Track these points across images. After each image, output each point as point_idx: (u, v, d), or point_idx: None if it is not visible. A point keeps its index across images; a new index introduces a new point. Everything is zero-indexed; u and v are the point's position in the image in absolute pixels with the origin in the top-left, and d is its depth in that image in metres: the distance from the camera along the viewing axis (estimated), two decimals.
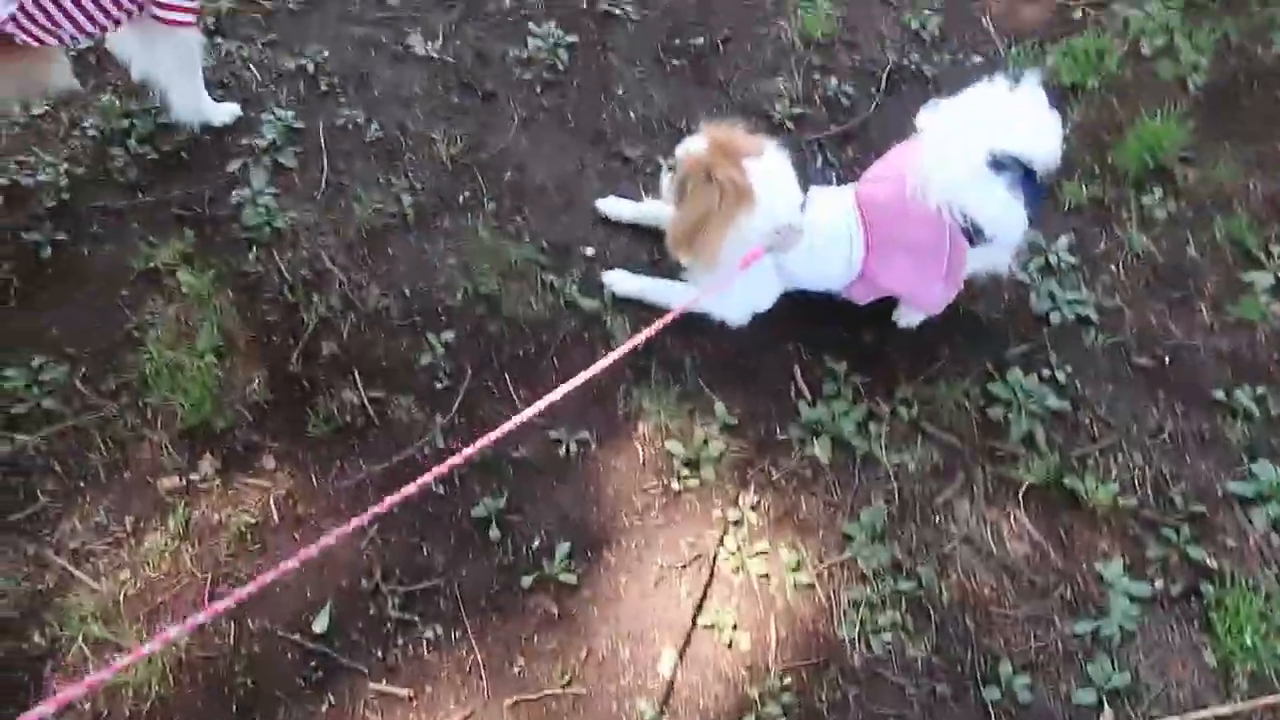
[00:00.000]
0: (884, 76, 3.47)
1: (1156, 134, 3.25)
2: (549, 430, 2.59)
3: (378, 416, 2.61)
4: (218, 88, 3.22)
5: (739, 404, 2.69)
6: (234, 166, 3.07)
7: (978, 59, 3.54)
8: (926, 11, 3.64)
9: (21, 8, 2.50)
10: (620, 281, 2.86)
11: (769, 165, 2.55)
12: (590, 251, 2.96)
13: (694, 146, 2.56)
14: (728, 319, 2.78)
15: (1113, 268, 3.03)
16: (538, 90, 3.37)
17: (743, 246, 2.54)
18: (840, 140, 3.30)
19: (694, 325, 2.73)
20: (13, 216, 2.92)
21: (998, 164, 2.36)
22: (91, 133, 3.11)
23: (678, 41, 3.54)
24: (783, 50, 3.52)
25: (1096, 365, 2.82)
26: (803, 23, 3.56)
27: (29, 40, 2.57)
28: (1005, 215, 2.44)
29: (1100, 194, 3.19)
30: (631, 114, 3.32)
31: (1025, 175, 2.40)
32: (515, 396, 2.67)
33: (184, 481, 2.44)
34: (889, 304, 2.81)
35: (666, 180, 2.68)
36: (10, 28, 2.51)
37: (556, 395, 2.06)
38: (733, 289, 2.62)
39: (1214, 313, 2.96)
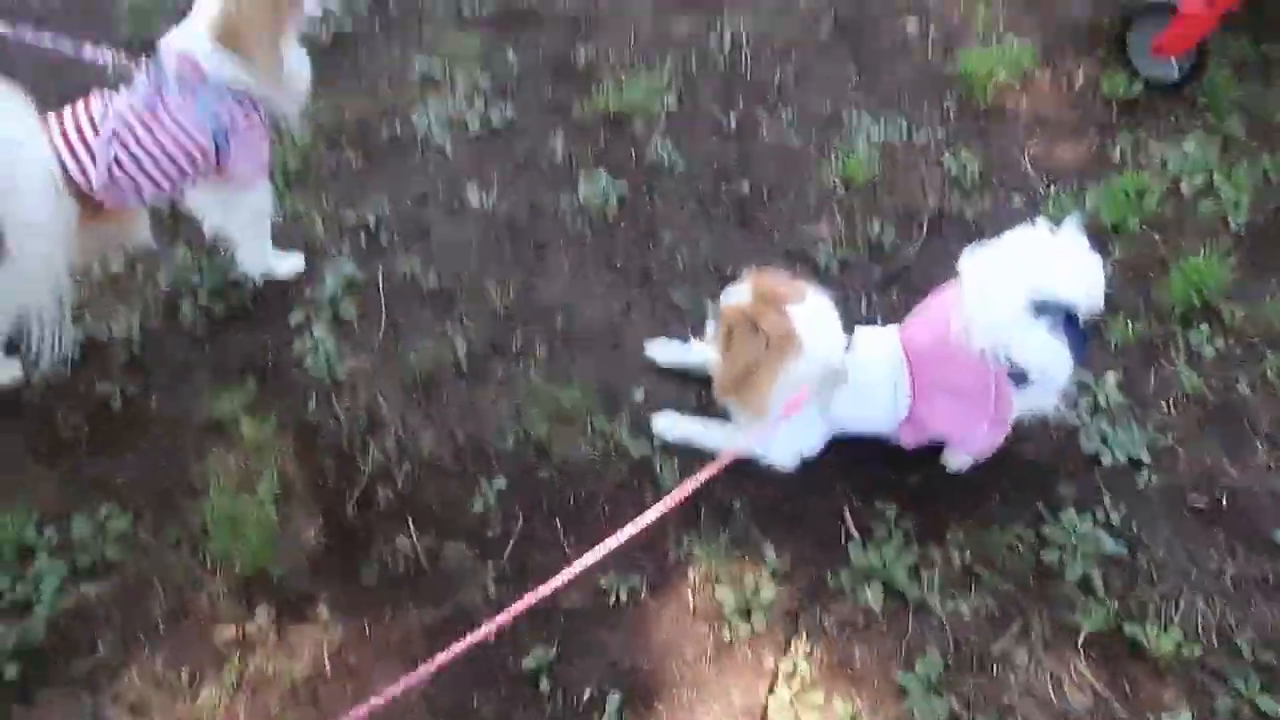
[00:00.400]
0: (925, 219, 3.54)
1: (1201, 271, 3.26)
2: (599, 578, 2.60)
3: (429, 563, 2.64)
4: (284, 242, 3.37)
5: (789, 549, 2.68)
6: (296, 318, 3.20)
7: (1018, 200, 3.60)
8: (965, 155, 3.73)
9: (110, 175, 2.68)
10: (670, 429, 2.90)
11: (812, 310, 2.58)
12: (640, 395, 3.02)
13: (737, 295, 2.61)
14: (775, 463, 2.80)
15: (1163, 405, 3.02)
16: (588, 238, 3.49)
17: (790, 392, 2.57)
18: (884, 283, 3.36)
19: (743, 469, 2.74)
20: (88, 370, 3.06)
21: (1040, 307, 2.38)
22: (164, 286, 3.27)
23: (723, 188, 3.66)
24: (825, 195, 3.62)
25: (1151, 507, 2.78)
26: (844, 168, 3.67)
27: (115, 204, 2.75)
28: (1049, 358, 2.45)
29: (1147, 332, 3.19)
30: (678, 259, 3.42)
31: (1068, 319, 2.42)
32: (565, 543, 2.69)
33: (240, 632, 2.47)
34: (938, 448, 2.81)
35: (711, 327, 2.74)
36: (101, 195, 2.70)
37: (606, 548, 2.08)
38: (779, 433, 2.65)
39: (1270, 451, 2.91)
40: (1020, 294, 2.38)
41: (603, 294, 3.31)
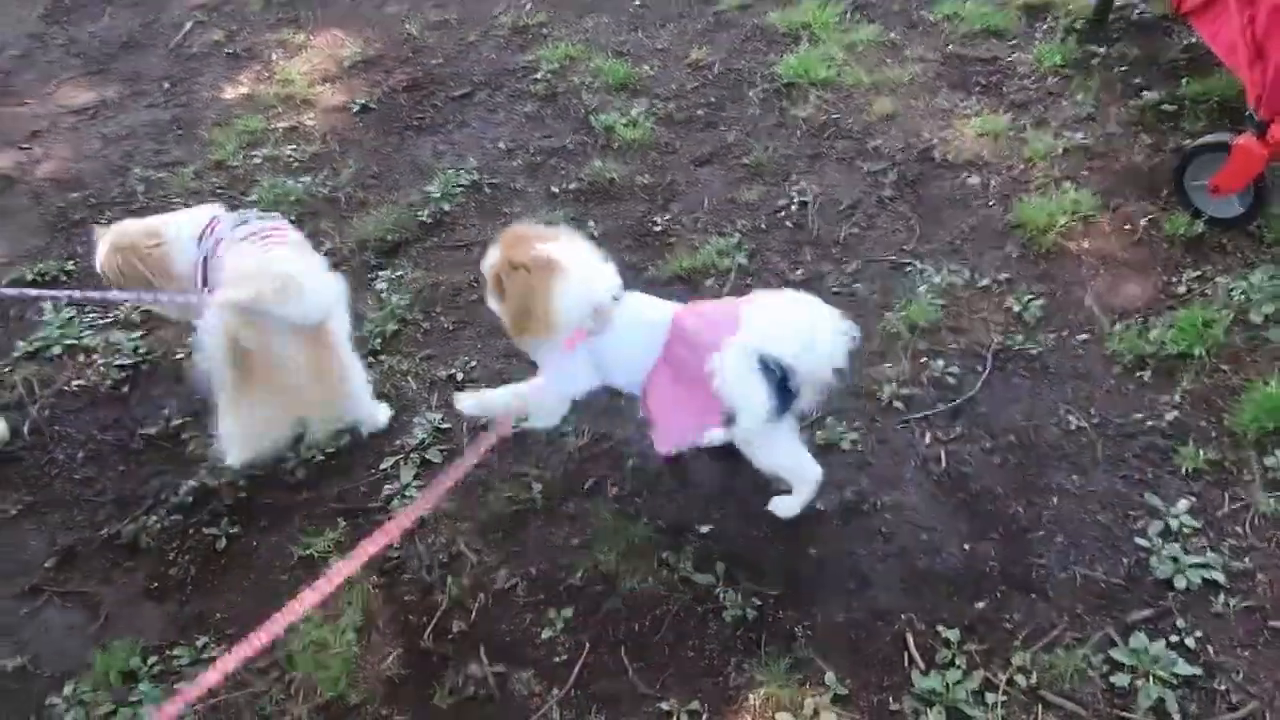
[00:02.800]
0: (989, 355, 3.62)
1: (1273, 398, 3.23)
2: (660, 702, 2.65)
3: (499, 689, 2.74)
4: (378, 397, 3.65)
5: (850, 673, 2.69)
6: (387, 464, 3.44)
7: (1082, 336, 3.65)
8: (1028, 296, 3.83)
9: None
10: (469, 404, 3.06)
11: (565, 244, 2.83)
12: (704, 529, 3.12)
13: (492, 254, 2.85)
14: (545, 413, 3.03)
15: (1239, 530, 2.95)
16: None
17: (570, 310, 2.76)
18: (949, 417, 3.42)
19: (804, 592, 2.79)
20: (198, 514, 3.34)
21: (764, 361, 2.63)
22: None
23: None
24: (890, 337, 3.74)
25: (1229, 630, 2.70)
26: (908, 313, 3.80)
27: None
28: (751, 404, 2.66)
29: (1219, 457, 3.15)
30: None
31: (783, 378, 2.65)
32: (629, 669, 2.76)
33: None
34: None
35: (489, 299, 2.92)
36: None
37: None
38: (559, 368, 2.89)
39: None
40: (755, 347, 2.64)
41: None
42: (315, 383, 3.11)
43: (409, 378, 3.77)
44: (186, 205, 4.56)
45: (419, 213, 4.59)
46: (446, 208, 4.63)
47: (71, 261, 4.52)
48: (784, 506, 3.10)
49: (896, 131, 4.81)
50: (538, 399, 2.99)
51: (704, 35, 5.77)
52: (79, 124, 5.60)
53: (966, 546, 3.00)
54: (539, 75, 5.52)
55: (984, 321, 3.78)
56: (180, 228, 3.28)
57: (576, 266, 2.79)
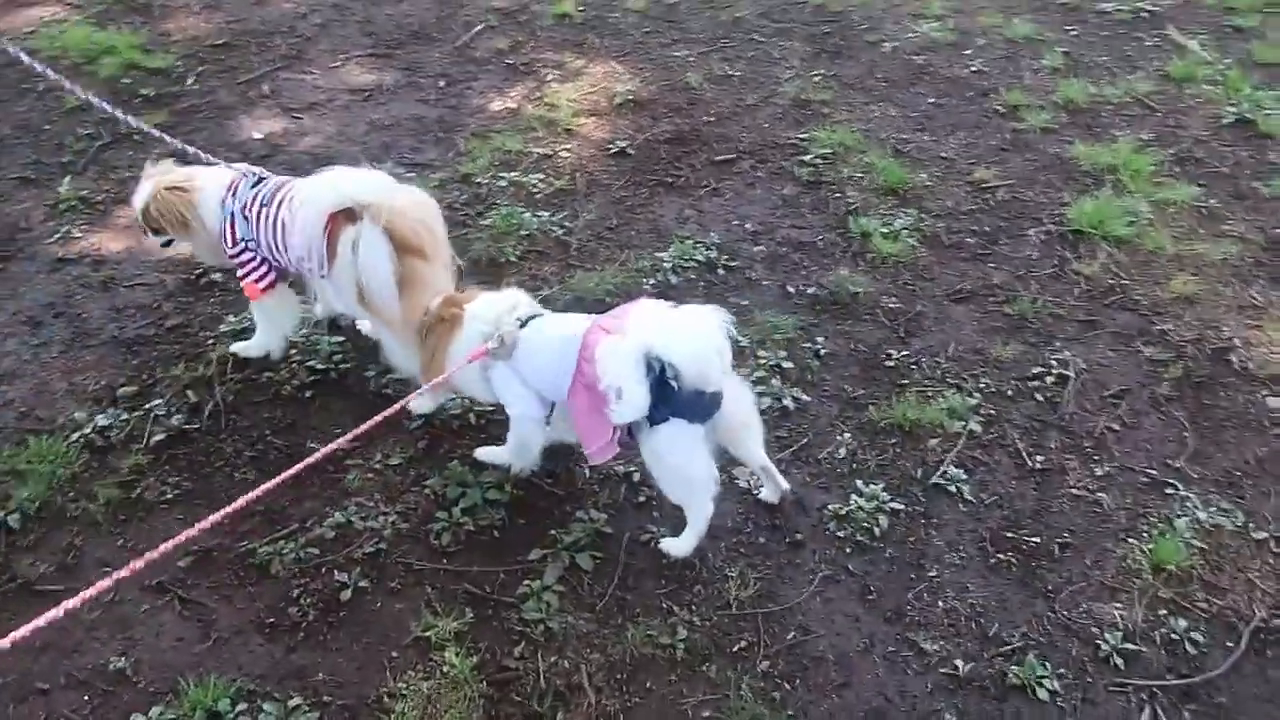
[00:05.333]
0: (1247, 632, 3.00)
1: None
2: None
3: None
4: (546, 477, 3.41)
5: None
6: (534, 556, 3.18)
7: None
8: None
9: None
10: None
11: (484, 297, 3.28)
12: None
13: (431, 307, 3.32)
14: (514, 415, 3.27)
15: None
16: (847, 550, 3.25)
17: (463, 348, 3.16)
18: (1179, 696, 2.84)
19: None
20: (334, 553, 3.18)
21: (649, 358, 2.79)
22: (429, 492, 3.38)
23: (1010, 535, 3.31)
24: (1127, 573, 3.17)
25: None
26: (1156, 547, 3.22)
27: None
28: (630, 393, 2.80)
29: None
30: (940, 603, 3.09)
31: (661, 375, 2.80)
32: None
33: None
34: None
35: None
36: None
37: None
38: (504, 389, 3.20)
39: None
40: (639, 344, 2.80)
41: (845, 621, 3.04)
42: None
43: (584, 464, 3.51)
44: None
45: (645, 281, 4.33)
46: (674, 281, 4.36)
47: None
48: (675, 547, 3.18)
49: (1192, 318, 4.18)
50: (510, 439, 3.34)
51: (995, 153, 5.28)
52: (351, 104, 5.68)
53: None
54: (807, 157, 5.19)
55: (1250, 585, 3.15)
56: (208, 181, 3.63)
57: (472, 315, 3.20)
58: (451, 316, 3.23)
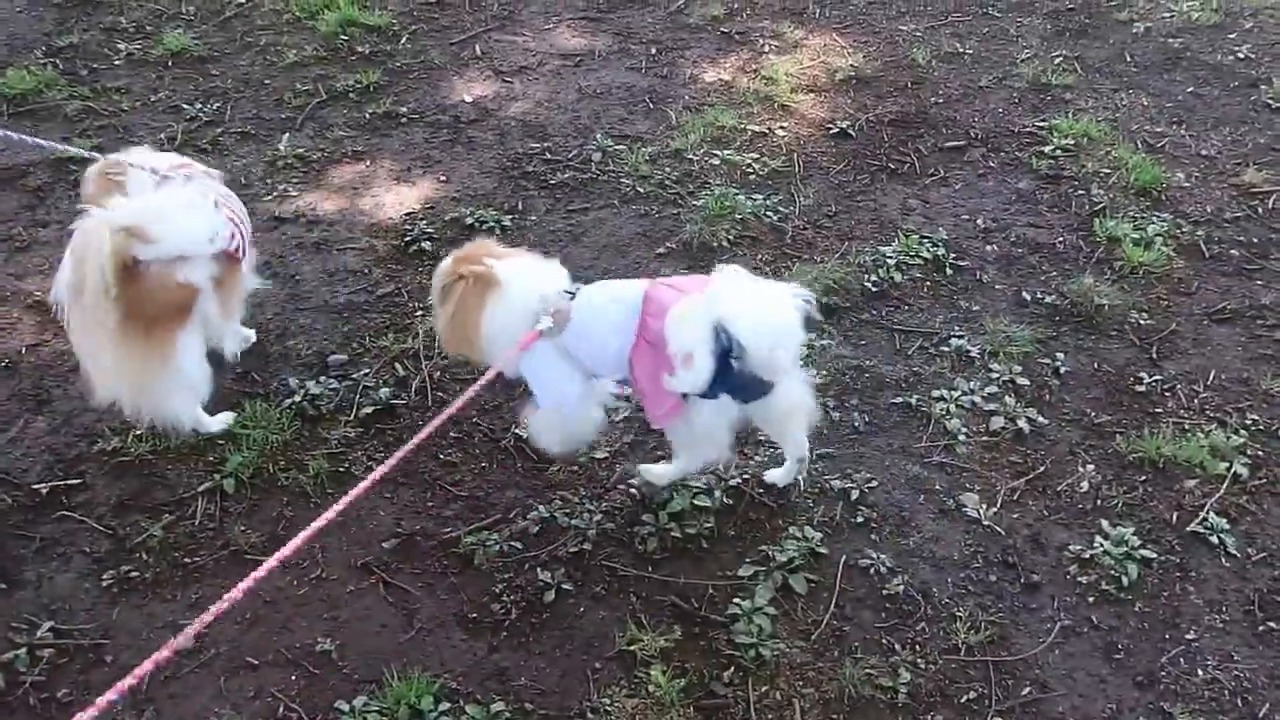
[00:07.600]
0: None
1: None
2: None
3: None
4: (758, 486, 3.21)
5: None
6: (745, 572, 2.99)
7: None
8: None
9: None
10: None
11: (517, 260, 2.96)
12: None
13: (445, 263, 2.99)
14: (549, 429, 3.06)
15: None
16: (1090, 599, 2.93)
17: (510, 330, 2.83)
18: None
19: None
20: (537, 550, 3.07)
21: (717, 329, 2.65)
22: (634, 493, 3.23)
23: None
24: None
25: None
26: None
27: None
28: (696, 361, 2.66)
29: None
30: (1200, 672, 2.75)
31: (725, 352, 2.66)
32: None
33: None
34: None
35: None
36: None
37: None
38: (537, 376, 2.91)
39: None
40: (713, 313, 2.66)
41: (1089, 681, 2.74)
42: None
43: (796, 477, 3.28)
44: (635, 189, 4.35)
45: (866, 277, 4.05)
46: (897, 279, 4.06)
47: (510, 217, 4.43)
48: (654, 474, 3.18)
49: None
50: (536, 424, 3.08)
51: (1265, 153, 4.72)
52: (562, 69, 5.55)
53: None
54: (1046, 148, 4.77)
55: None
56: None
57: (512, 280, 2.87)
58: (477, 276, 2.87)
